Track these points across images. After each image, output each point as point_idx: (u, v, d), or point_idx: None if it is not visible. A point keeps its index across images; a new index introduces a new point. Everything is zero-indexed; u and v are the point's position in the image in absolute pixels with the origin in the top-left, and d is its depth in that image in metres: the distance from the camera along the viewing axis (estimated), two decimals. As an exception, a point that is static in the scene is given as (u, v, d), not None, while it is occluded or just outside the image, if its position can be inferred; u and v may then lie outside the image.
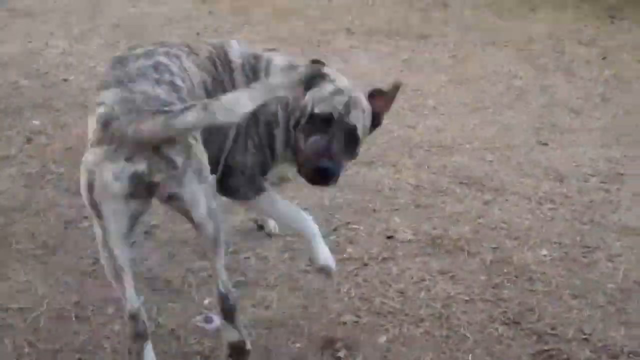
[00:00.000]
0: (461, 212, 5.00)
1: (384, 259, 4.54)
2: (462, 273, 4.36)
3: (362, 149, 3.76)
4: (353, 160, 3.89)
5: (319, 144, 3.59)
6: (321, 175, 3.57)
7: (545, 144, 6.01)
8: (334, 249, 4.49)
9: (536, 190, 5.29)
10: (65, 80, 6.75)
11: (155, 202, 3.07)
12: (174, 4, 8.90)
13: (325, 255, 3.88)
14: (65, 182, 5.16)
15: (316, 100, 3.64)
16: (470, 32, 8.53)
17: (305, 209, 4.75)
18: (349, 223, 4.86)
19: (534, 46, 8.24)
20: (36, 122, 5.91)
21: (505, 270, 4.39)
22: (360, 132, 3.65)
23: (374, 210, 5.02)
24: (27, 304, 4.00)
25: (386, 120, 6.29)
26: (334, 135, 3.57)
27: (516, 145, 6.00)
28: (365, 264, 4.48)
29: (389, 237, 4.73)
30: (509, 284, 4.26)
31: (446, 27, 8.62)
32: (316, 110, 3.62)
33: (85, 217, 4.63)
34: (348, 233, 4.75)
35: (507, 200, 5.16)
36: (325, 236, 4.47)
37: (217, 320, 3.62)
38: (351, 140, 3.63)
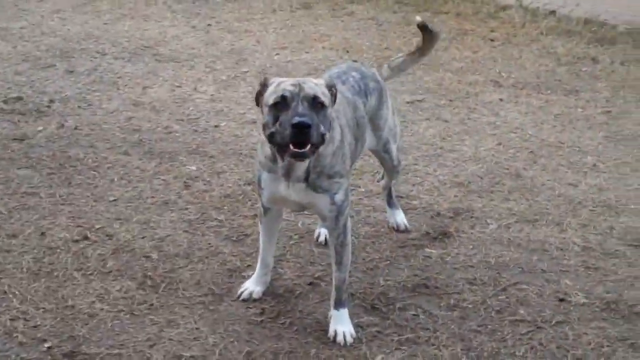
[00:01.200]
0: (636, 275, 4.84)
1: (558, 322, 4.43)
2: (643, 341, 4.16)
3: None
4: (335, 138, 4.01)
5: (285, 117, 3.67)
6: (298, 130, 3.61)
7: None
8: (504, 309, 4.38)
9: None
10: (216, 126, 6.83)
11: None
12: (317, 53, 8.97)
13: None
14: (226, 229, 5.17)
15: (267, 98, 3.77)
16: (623, 88, 8.32)
17: (470, 267, 4.71)
18: (517, 283, 4.76)
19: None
20: (192, 168, 5.98)
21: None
22: (323, 99, 3.74)
23: (543, 271, 4.90)
24: (200, 352, 4.01)
25: (546, 177, 6.29)
26: (296, 106, 3.65)
27: (687, 208, 5.73)
28: (539, 327, 4.37)
29: (561, 300, 4.59)
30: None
31: (597, 83, 8.42)
32: (270, 102, 3.71)
33: (249, 266, 4.63)
34: (518, 294, 4.65)
35: (684, 265, 4.93)
36: (493, 296, 4.41)
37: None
38: (317, 109, 3.72)
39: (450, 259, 5.00)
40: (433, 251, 5.09)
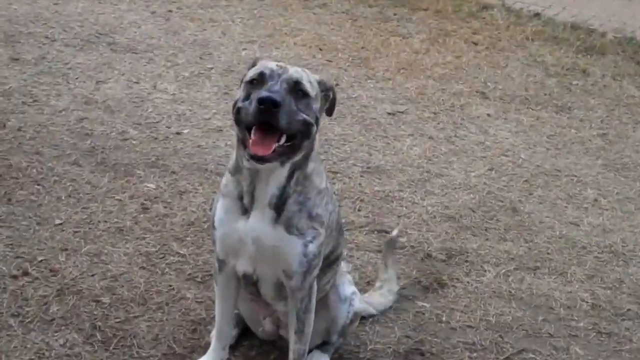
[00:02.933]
0: (653, 344, 4.30)
1: (573, 405, 3.83)
2: None
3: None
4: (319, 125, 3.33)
5: (256, 94, 3.07)
6: (264, 108, 3.01)
7: None
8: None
9: None
10: (178, 134, 6.17)
11: None
12: (288, 50, 8.35)
13: None
14: (190, 267, 4.58)
15: (247, 75, 3.23)
16: (617, 107, 7.87)
17: (468, 327, 4.16)
18: (522, 351, 4.26)
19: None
20: (151, 186, 5.35)
21: None
22: (308, 87, 3.15)
23: (550, 335, 4.44)
24: None
25: (545, 214, 5.74)
26: (273, 85, 3.08)
27: None
28: (551, 412, 3.78)
29: (573, 375, 4.02)
30: None
31: (589, 99, 7.96)
32: (247, 79, 3.18)
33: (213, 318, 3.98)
34: (524, 364, 4.05)
35: None
36: None
37: None
38: (298, 96, 3.14)
39: (445, 317, 4.46)
40: (426, 305, 4.52)
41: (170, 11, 9.24)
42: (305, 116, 3.14)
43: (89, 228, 4.85)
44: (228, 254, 3.40)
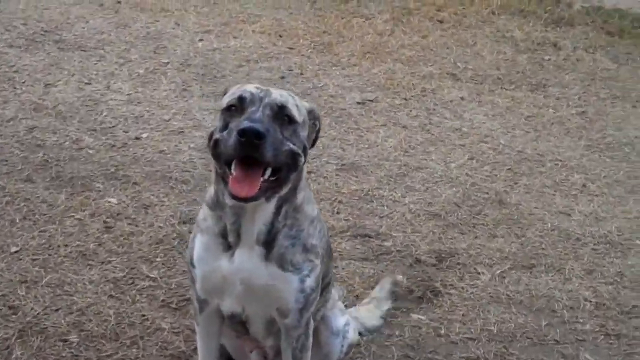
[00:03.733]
0: (667, 344, 4.05)
1: (591, 421, 3.56)
2: None
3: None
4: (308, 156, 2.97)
5: (237, 123, 2.71)
6: (246, 140, 2.62)
7: None
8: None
9: None
10: (137, 139, 5.77)
11: None
12: (247, 39, 7.97)
13: None
14: (162, 291, 4.21)
15: (222, 101, 2.86)
16: (592, 82, 7.60)
17: (470, 339, 3.89)
18: (530, 362, 3.87)
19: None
20: (112, 201, 4.97)
21: None
22: (294, 113, 2.79)
23: (556, 342, 4.15)
24: None
25: (533, 204, 5.45)
26: (254, 112, 2.72)
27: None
28: None
29: (586, 386, 3.74)
30: None
31: (564, 75, 7.68)
32: (224, 105, 2.82)
33: (196, 349, 3.61)
34: (533, 378, 3.76)
35: None
36: None
37: None
38: (284, 123, 2.78)
39: (444, 329, 4.15)
40: (422, 317, 4.22)
41: (119, 2, 8.84)
42: (292, 146, 2.77)
43: (49, 254, 4.47)
44: (211, 294, 3.02)
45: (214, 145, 2.80)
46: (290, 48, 7.85)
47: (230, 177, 2.72)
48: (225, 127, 2.78)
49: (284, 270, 2.96)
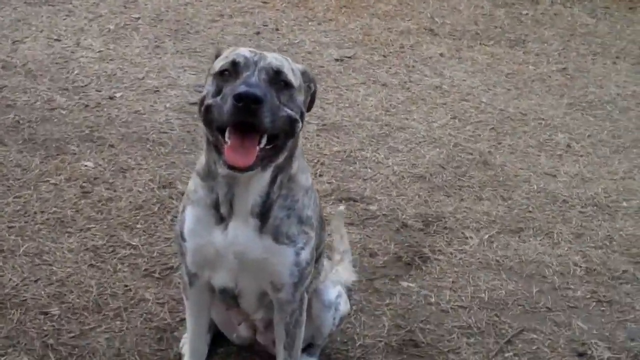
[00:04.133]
0: (660, 310, 4.02)
1: (587, 391, 3.52)
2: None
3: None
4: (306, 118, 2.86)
5: (231, 87, 2.58)
6: (243, 105, 2.49)
7: None
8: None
9: None
10: (110, 98, 5.60)
11: None
12: (220, -8, 7.70)
13: None
14: (144, 260, 4.08)
15: (214, 66, 2.73)
16: (571, 37, 7.53)
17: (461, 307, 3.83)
18: (523, 331, 3.88)
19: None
20: (89, 165, 4.82)
21: None
22: (290, 77, 2.66)
23: (548, 309, 4.09)
24: None
25: (518, 165, 5.38)
26: (249, 76, 2.58)
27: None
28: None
29: (580, 355, 3.72)
30: None
31: (543, 30, 7.61)
32: (216, 70, 2.68)
33: (182, 320, 3.53)
34: (526, 347, 3.82)
35: None
36: (498, 353, 3.73)
37: None
38: (280, 87, 2.64)
39: (435, 297, 4.07)
40: (411, 285, 4.14)
41: (85, -47, 8.50)
42: (289, 111, 2.64)
43: (25, 222, 4.32)
44: (202, 268, 2.89)
45: (206, 111, 2.66)
46: (265, 2, 7.70)
47: (225, 146, 2.58)
48: (218, 92, 2.64)
49: (278, 243, 2.85)
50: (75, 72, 6.00)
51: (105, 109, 5.52)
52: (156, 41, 6.61)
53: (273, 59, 2.68)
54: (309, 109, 2.90)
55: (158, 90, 5.79)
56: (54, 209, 4.46)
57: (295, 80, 2.71)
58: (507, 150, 5.52)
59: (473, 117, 5.91)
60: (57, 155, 4.95)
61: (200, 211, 2.85)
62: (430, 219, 4.70)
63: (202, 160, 2.85)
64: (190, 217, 2.88)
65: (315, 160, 5.14)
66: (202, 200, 2.84)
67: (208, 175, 2.81)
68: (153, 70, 6.07)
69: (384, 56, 6.79)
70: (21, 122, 5.24)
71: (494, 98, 6.24)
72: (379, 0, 7.94)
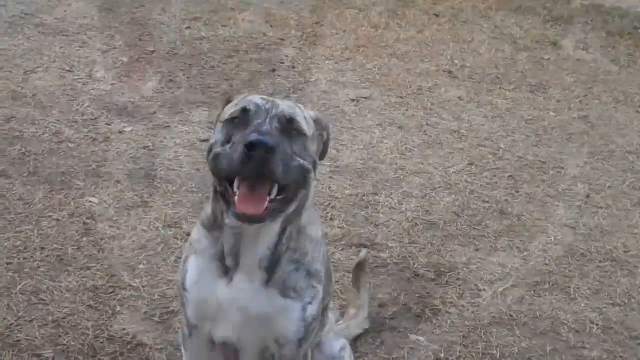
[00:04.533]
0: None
1: None
2: None
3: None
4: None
5: (242, 135, 2.51)
6: (255, 154, 2.41)
7: None
8: None
9: None
10: (120, 132, 5.49)
11: None
12: (236, 28, 7.68)
13: None
14: (145, 303, 3.97)
15: (224, 114, 2.67)
16: (594, 84, 7.39)
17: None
18: (537, 392, 3.66)
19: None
20: (93, 201, 4.70)
21: None
22: (303, 126, 2.60)
23: (564, 370, 3.83)
24: None
25: (535, 215, 5.24)
26: (260, 124, 2.52)
27: None
28: None
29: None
30: None
31: (563, 75, 7.47)
32: (226, 117, 2.62)
33: None
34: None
35: None
36: None
37: None
38: (292, 136, 2.58)
39: (444, 353, 3.94)
40: (420, 339, 4.00)
41: (103, -15, 8.48)
42: (302, 161, 2.56)
43: (24, 258, 4.22)
44: (203, 320, 2.77)
45: (215, 160, 2.57)
46: (281, 39, 7.59)
47: (234, 195, 2.48)
48: (227, 140, 2.56)
49: (285, 297, 2.74)
50: (86, 104, 5.90)
51: (114, 144, 5.43)
52: (170, 75, 6.53)
53: (286, 106, 2.61)
54: (321, 157, 2.79)
55: (169, 126, 5.71)
56: (55, 245, 4.37)
57: (308, 128, 2.64)
58: (525, 200, 5.39)
59: (491, 163, 5.77)
60: (62, 189, 4.85)
61: (204, 262, 2.75)
62: (442, 269, 4.57)
63: (207, 210, 2.75)
64: (194, 268, 2.78)
65: (327, 204, 5.02)
66: (207, 251, 2.73)
67: (214, 226, 2.70)
68: (165, 105, 5.99)
69: (402, 98, 6.67)
70: (27, 154, 5.15)
71: (512, 144, 6.10)
72: (398, 41, 7.81)
